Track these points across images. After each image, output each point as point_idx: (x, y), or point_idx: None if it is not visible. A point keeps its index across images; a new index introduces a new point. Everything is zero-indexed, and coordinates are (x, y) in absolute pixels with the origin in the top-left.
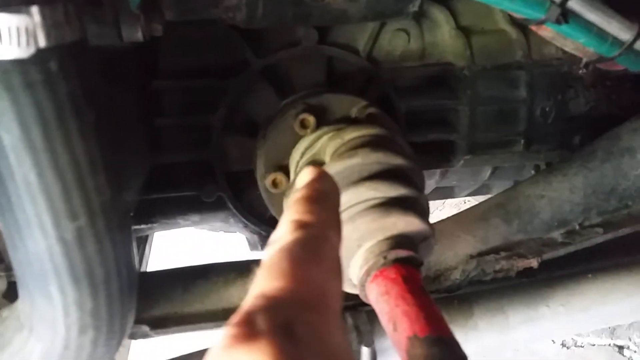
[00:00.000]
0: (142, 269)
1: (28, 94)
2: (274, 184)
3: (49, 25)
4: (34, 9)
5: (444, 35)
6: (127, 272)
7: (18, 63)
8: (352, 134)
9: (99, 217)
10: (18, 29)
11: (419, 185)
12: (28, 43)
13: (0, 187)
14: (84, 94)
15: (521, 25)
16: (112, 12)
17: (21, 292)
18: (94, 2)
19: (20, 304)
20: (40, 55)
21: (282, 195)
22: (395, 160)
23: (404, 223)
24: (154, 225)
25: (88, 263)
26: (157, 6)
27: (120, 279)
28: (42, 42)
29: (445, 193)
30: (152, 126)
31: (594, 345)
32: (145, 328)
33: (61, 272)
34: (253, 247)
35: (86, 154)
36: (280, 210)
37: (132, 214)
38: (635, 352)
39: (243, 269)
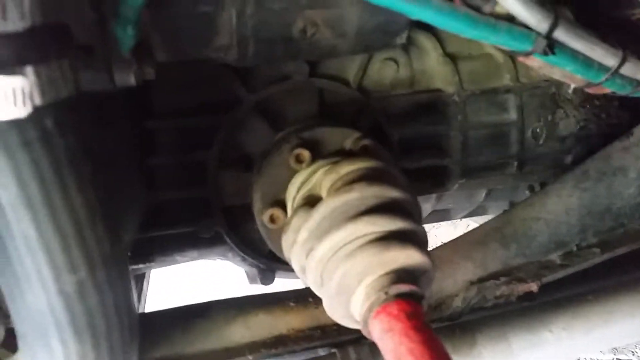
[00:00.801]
0: (141, 306)
1: (25, 152)
2: (272, 219)
3: (44, 84)
4: (29, 69)
5: (432, 62)
6: (129, 320)
7: (14, 122)
8: (347, 168)
9: (99, 268)
10: (14, 90)
11: (416, 217)
12: (24, 103)
13: None
14: (80, 148)
15: None
16: (104, 58)
17: (21, 345)
18: (85, 49)
19: (21, 357)
20: (36, 114)
21: (280, 230)
22: (392, 193)
23: (404, 257)
24: (152, 263)
25: (90, 315)
26: (149, 49)
27: (122, 327)
28: (37, 101)
29: (441, 216)
30: (146, 165)
31: None
32: None
33: (63, 326)
34: (252, 280)
35: (84, 206)
36: (278, 246)
37: (129, 254)
38: None
39: (243, 306)
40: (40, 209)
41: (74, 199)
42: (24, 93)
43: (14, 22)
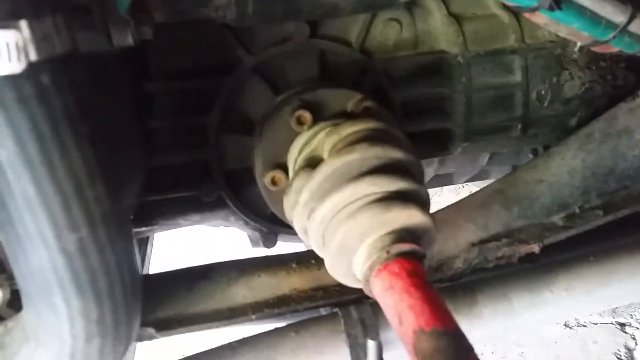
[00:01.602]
0: (145, 270)
1: (22, 109)
2: (273, 182)
3: (39, 39)
4: (23, 23)
5: (436, 23)
6: (131, 278)
7: (10, 78)
8: (349, 129)
9: (100, 226)
10: (8, 44)
11: (418, 178)
12: (19, 58)
13: None
14: (77, 105)
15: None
16: (101, 17)
17: (25, 303)
18: (82, 9)
19: (25, 315)
20: (31, 70)
21: (282, 193)
22: (394, 154)
23: (406, 216)
24: (155, 226)
25: (91, 273)
26: (146, 9)
27: (124, 285)
28: (33, 56)
29: (444, 180)
30: (145, 129)
31: (596, 324)
32: (151, 330)
33: (65, 283)
34: (255, 243)
35: (83, 165)
36: (280, 208)
37: (132, 217)
38: (637, 329)
39: (245, 268)
40: (39, 167)
41: (73, 157)
42: (18, 48)
43: None
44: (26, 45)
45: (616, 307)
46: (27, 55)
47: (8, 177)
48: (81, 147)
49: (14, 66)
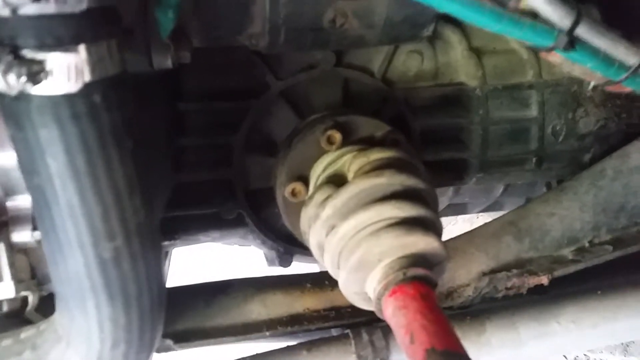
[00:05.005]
0: None
1: (74, 125)
2: (293, 193)
3: (94, 61)
4: (81, 47)
5: (456, 56)
6: (158, 288)
7: (66, 97)
8: (377, 155)
9: (134, 237)
10: (68, 66)
11: (433, 208)
12: (76, 78)
13: (45, 209)
14: (123, 123)
15: None
16: (144, 41)
17: (59, 306)
18: (127, 32)
19: (58, 317)
20: (85, 89)
21: (299, 205)
22: (417, 184)
23: (425, 243)
24: (176, 241)
25: (123, 281)
26: (186, 35)
27: (152, 295)
28: (87, 77)
29: (458, 209)
30: (175, 146)
31: None
32: (169, 342)
33: (98, 289)
34: (271, 262)
35: (125, 178)
36: (295, 220)
37: None
38: None
39: (261, 285)
40: (85, 178)
41: (116, 171)
42: (76, 69)
43: (72, 4)
44: (82, 67)
45: (628, 346)
46: (82, 76)
47: (56, 186)
48: (124, 161)
49: (71, 86)
